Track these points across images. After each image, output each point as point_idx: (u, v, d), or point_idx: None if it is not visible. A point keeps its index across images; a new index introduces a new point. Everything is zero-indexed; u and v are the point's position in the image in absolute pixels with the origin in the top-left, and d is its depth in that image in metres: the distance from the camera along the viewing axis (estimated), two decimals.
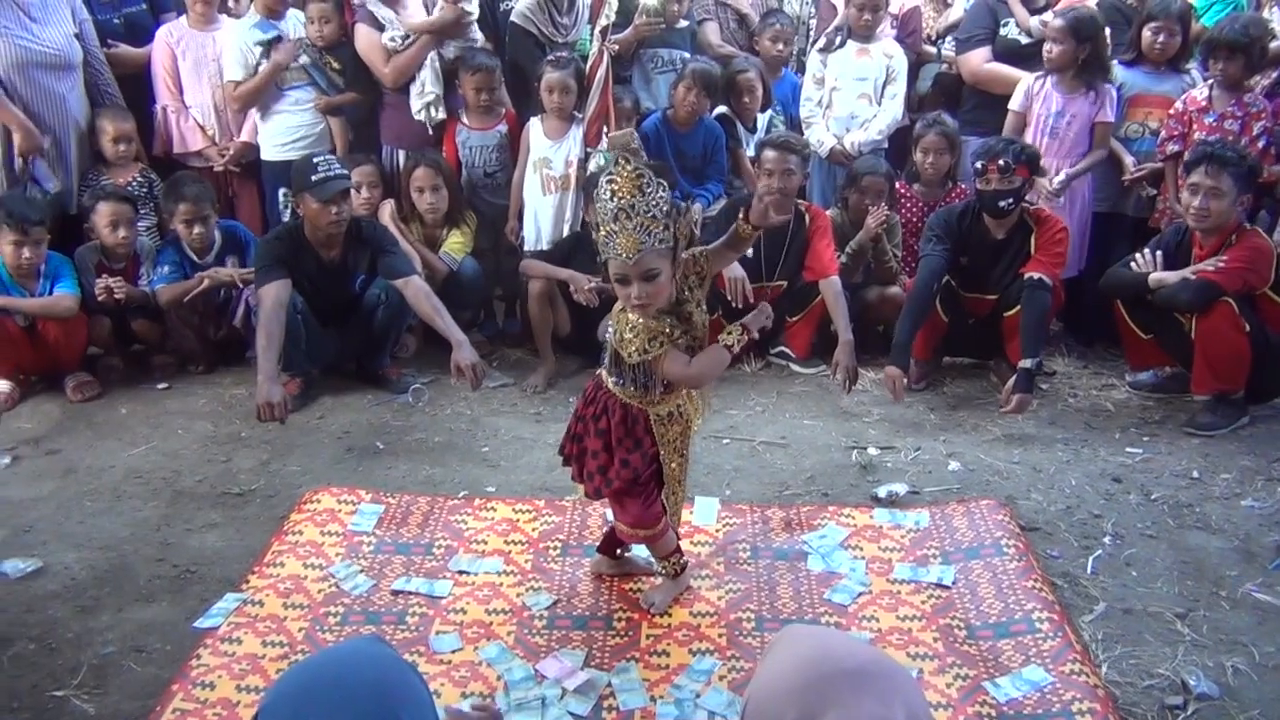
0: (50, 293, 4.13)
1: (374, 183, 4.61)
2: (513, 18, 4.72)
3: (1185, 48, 4.58)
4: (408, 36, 4.58)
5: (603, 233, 2.31)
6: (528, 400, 4.20)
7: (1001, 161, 3.94)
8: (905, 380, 3.99)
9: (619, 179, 2.27)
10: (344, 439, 3.83)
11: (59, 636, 2.63)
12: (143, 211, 4.60)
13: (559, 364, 4.43)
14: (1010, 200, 4.01)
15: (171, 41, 4.72)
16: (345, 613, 2.74)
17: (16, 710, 2.37)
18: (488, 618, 2.72)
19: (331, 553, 3.00)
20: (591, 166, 4.40)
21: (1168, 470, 3.57)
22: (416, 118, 4.67)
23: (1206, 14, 4.77)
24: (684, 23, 4.97)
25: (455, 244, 4.59)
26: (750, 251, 4.39)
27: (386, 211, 4.57)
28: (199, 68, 4.73)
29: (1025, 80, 4.64)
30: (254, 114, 4.78)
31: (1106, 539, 3.10)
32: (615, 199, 2.26)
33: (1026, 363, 3.86)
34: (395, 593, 2.82)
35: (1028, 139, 4.51)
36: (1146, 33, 4.54)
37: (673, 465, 2.64)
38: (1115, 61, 4.67)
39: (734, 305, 4.25)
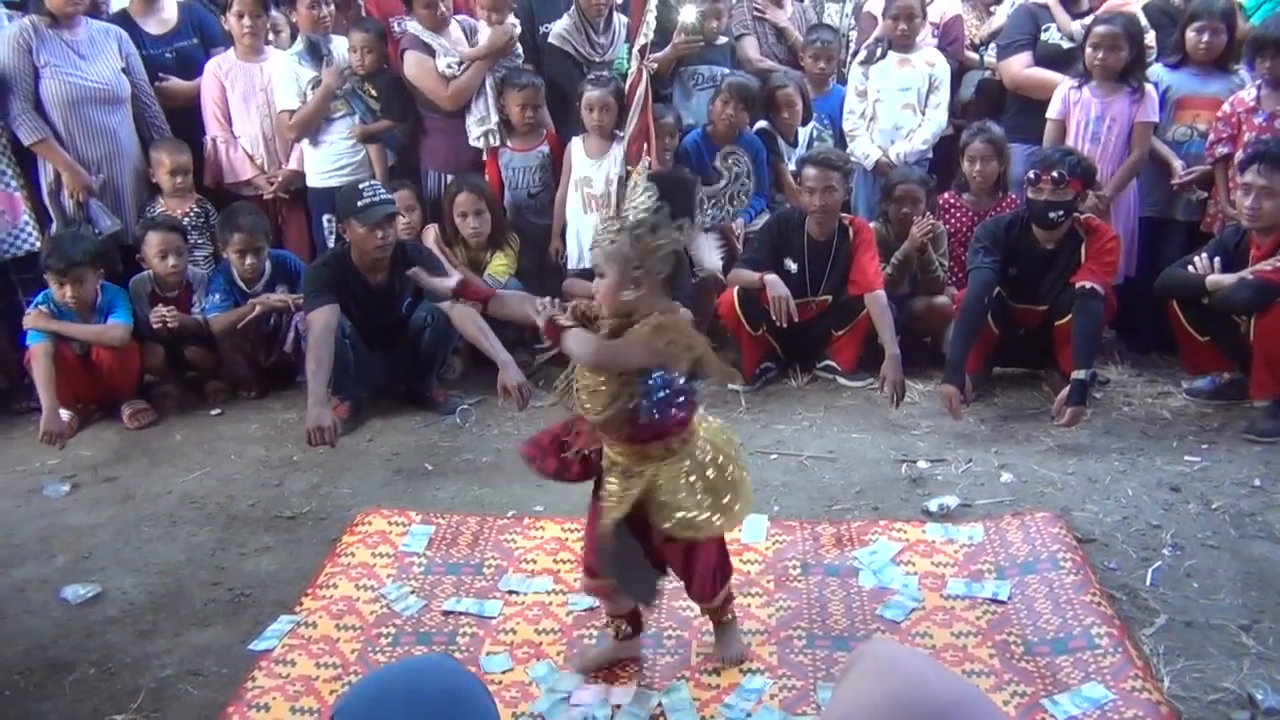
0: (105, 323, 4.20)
1: (411, 205, 4.66)
2: (550, 39, 4.78)
3: (1232, 48, 4.49)
4: (462, 62, 4.64)
5: None
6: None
7: (1055, 173, 3.88)
8: (962, 398, 3.94)
9: (640, 181, 2.21)
10: (393, 461, 3.87)
11: (118, 661, 2.68)
12: (200, 241, 4.69)
13: None
14: (1060, 212, 3.94)
15: (220, 74, 4.81)
16: (397, 634, 2.75)
17: None
18: (537, 637, 2.72)
19: (383, 574, 3.02)
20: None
21: (1228, 478, 3.48)
22: (474, 144, 4.74)
23: (1256, 13, 4.68)
24: (723, 39, 4.98)
25: (499, 266, 4.63)
26: (794, 267, 4.39)
27: (431, 236, 4.62)
28: (247, 98, 4.81)
29: (1062, 87, 4.56)
30: (302, 142, 4.86)
31: (1166, 550, 3.03)
32: (628, 200, 2.22)
33: (1079, 374, 3.79)
34: (446, 613, 2.83)
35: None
36: (1191, 33, 4.46)
37: (604, 519, 2.34)
38: (1161, 64, 4.60)
39: (779, 324, 4.23)
